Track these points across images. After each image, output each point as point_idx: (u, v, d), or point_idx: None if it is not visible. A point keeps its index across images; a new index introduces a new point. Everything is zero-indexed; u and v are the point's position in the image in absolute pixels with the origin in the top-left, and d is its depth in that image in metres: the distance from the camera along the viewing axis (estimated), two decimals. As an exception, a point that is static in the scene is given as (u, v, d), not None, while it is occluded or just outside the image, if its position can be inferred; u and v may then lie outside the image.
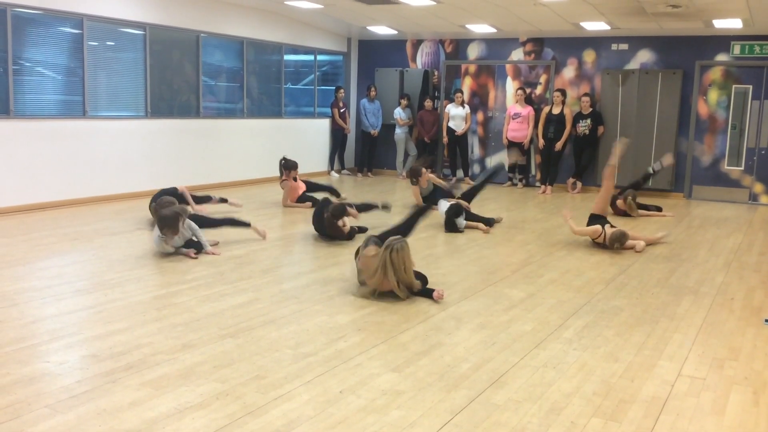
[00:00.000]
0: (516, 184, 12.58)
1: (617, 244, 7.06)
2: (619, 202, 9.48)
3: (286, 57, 12.70)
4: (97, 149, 9.20)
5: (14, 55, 8.22)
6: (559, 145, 11.89)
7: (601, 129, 11.96)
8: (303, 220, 8.47)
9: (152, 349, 3.98)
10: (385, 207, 7.93)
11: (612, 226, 7.23)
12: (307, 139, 13.22)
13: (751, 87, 11.23)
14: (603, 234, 7.12)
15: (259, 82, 12.18)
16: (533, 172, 12.70)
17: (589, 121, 11.85)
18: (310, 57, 13.40)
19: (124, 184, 9.54)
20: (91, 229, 7.42)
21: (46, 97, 8.84)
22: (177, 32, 10.34)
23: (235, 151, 11.43)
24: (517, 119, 12.35)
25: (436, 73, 13.57)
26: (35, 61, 8.64)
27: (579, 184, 12.16)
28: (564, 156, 12.09)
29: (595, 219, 7.35)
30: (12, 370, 3.62)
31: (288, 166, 9.24)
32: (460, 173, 13.17)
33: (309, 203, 9.11)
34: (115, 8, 9.31)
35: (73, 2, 8.71)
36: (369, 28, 13.18)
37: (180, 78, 10.55)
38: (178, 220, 6.12)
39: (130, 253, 6.38)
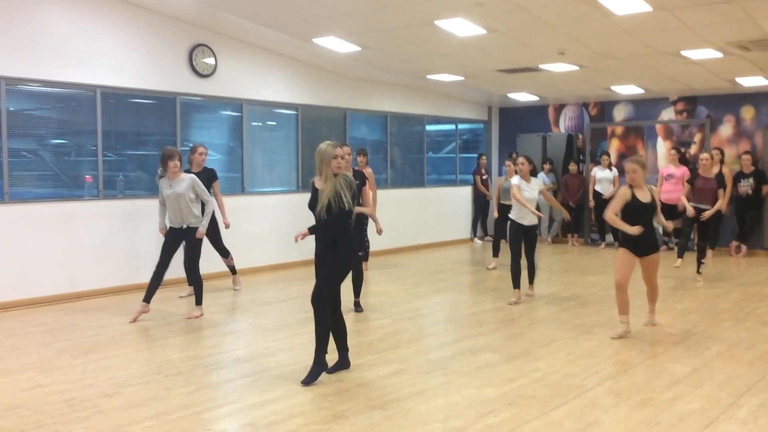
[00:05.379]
0: (672, 248, 11.89)
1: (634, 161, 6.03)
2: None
3: (428, 127, 12.99)
4: (253, 223, 9.75)
5: (182, 137, 8.99)
6: (724, 207, 11.06)
7: (765, 188, 11.13)
8: (446, 288, 8.44)
9: (305, 419, 4.06)
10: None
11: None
12: (450, 207, 13.30)
13: None
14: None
15: (402, 152, 12.51)
16: (691, 236, 11.93)
17: (751, 180, 11.08)
18: (451, 126, 13.62)
19: (276, 255, 10.00)
20: (247, 299, 7.81)
21: (210, 176, 9.52)
22: (326, 110, 10.91)
23: (381, 221, 11.66)
24: (670, 180, 11.77)
25: (580, 136, 13.31)
26: (200, 142, 9.36)
27: (743, 248, 11.31)
28: (726, 217, 11.30)
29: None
30: (177, 436, 3.82)
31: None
32: (609, 237, 12.67)
33: None
34: (272, 93, 10.02)
35: (234, 89, 9.45)
36: (510, 95, 13.24)
37: (328, 152, 11.05)
38: (174, 152, 6.71)
39: (284, 322, 6.62)
